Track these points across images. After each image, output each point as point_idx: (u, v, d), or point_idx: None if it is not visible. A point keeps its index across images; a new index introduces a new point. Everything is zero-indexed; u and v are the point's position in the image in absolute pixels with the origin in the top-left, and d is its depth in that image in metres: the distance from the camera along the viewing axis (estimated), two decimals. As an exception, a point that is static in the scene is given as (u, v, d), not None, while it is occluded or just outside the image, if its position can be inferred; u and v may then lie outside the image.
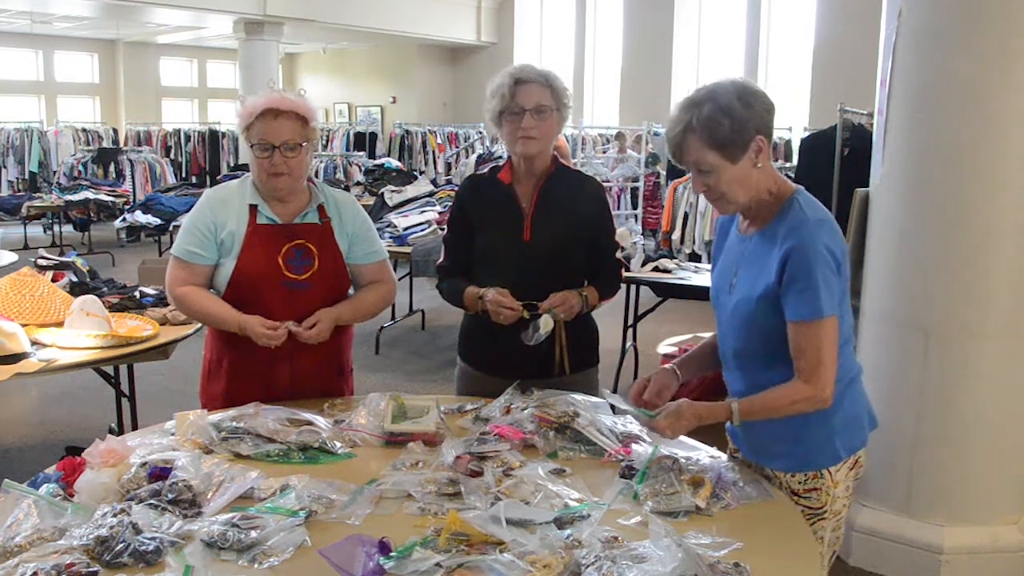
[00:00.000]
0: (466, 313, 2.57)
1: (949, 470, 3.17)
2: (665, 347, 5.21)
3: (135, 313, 3.52)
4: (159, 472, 1.78)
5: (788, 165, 9.13)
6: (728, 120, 1.78)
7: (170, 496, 1.70)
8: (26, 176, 13.85)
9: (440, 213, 6.81)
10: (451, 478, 1.83)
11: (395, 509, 1.76)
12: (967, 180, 3.02)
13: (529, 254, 2.44)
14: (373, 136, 15.98)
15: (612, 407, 2.11)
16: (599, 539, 1.57)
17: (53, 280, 3.78)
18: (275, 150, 2.31)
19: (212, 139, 15.64)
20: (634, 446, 2.03)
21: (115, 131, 16.25)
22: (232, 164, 14.92)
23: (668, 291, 5.46)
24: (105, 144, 14.55)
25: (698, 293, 4.82)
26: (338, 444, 2.06)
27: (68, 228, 11.62)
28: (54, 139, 14.26)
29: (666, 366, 2.11)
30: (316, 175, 10.52)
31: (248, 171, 2.49)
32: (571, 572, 1.46)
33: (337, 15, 14.11)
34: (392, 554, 1.51)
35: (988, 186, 3.01)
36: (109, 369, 3.54)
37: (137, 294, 3.75)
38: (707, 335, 2.21)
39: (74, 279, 3.95)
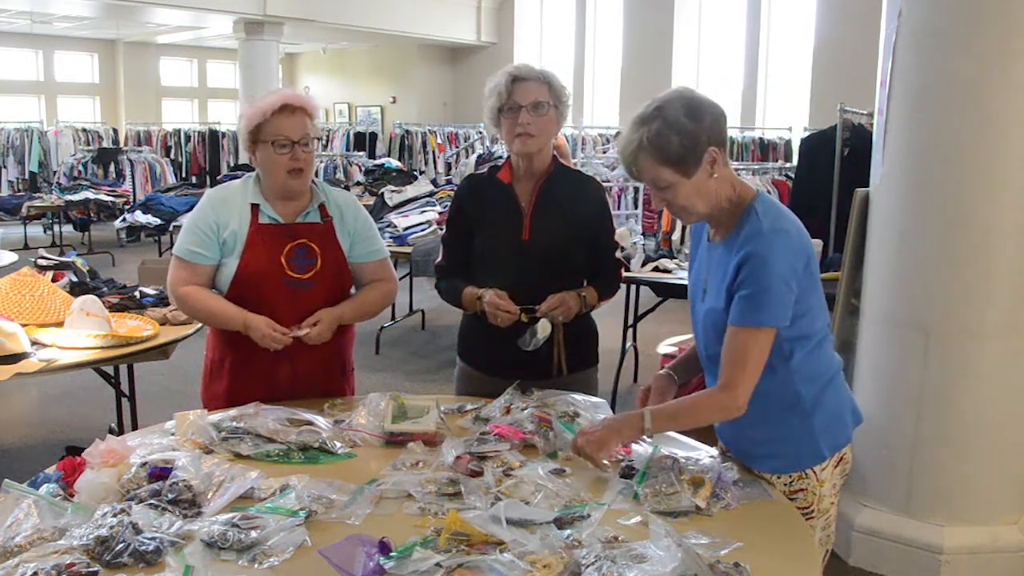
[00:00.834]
0: (465, 313, 2.57)
1: (949, 470, 3.17)
2: (665, 347, 5.20)
3: (135, 313, 3.52)
4: (159, 472, 1.78)
5: (788, 165, 9.13)
6: (677, 137, 1.78)
7: (170, 496, 1.70)
8: (26, 176, 13.84)
9: (440, 213, 6.81)
10: (451, 478, 1.83)
11: (395, 509, 1.76)
12: (967, 180, 3.02)
13: (528, 254, 2.44)
14: (373, 136, 15.97)
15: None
16: (599, 539, 1.57)
17: (53, 280, 3.78)
18: (294, 146, 2.32)
19: (212, 139, 15.64)
20: (634, 446, 2.03)
21: (115, 131, 16.24)
22: (232, 164, 14.91)
23: (668, 291, 5.46)
24: (105, 144, 14.55)
25: (698, 293, 4.80)
26: (338, 444, 2.06)
27: (68, 228, 11.63)
28: (54, 139, 14.26)
29: (662, 371, 2.12)
30: (316, 175, 10.51)
31: (252, 171, 2.50)
32: (571, 572, 1.46)
33: (337, 15, 14.10)
34: (392, 554, 1.51)
35: (988, 186, 3.01)
36: (109, 369, 3.54)
37: (137, 294, 3.75)
38: None
39: (74, 279, 3.95)
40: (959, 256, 3.06)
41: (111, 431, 3.33)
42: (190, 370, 4.97)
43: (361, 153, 13.63)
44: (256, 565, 1.53)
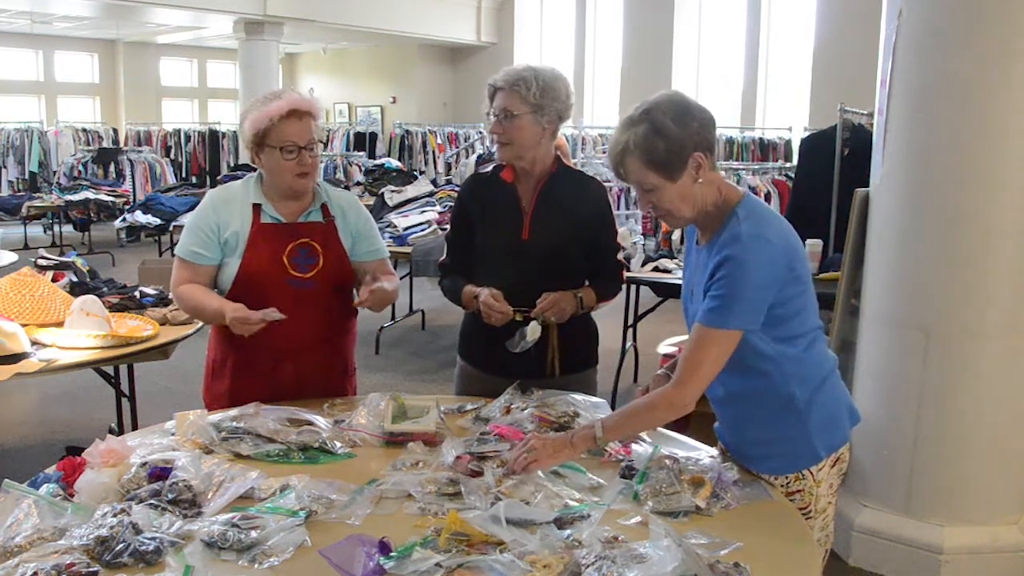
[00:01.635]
0: (466, 312, 2.58)
1: (949, 470, 3.17)
2: (665, 347, 5.20)
3: (135, 313, 3.52)
4: (159, 472, 1.78)
5: (788, 165, 9.14)
6: (663, 141, 1.79)
7: (170, 496, 1.70)
8: (26, 176, 13.84)
9: (440, 213, 6.81)
10: (451, 478, 1.83)
11: (395, 509, 1.76)
12: (967, 180, 3.02)
13: (527, 253, 2.44)
14: (373, 136, 15.97)
15: None
16: (599, 539, 1.57)
17: (53, 280, 3.78)
18: (302, 151, 2.33)
19: (212, 139, 15.64)
20: (634, 446, 2.03)
21: (115, 131, 16.24)
22: (232, 164, 14.90)
23: (668, 291, 5.45)
24: (105, 144, 14.54)
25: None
26: (338, 444, 2.06)
27: (68, 228, 11.63)
28: (54, 139, 14.25)
29: (660, 371, 2.12)
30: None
31: (252, 171, 2.50)
32: (571, 572, 1.46)
33: (337, 15, 14.10)
34: (392, 554, 1.51)
35: (988, 186, 3.01)
36: (109, 369, 3.54)
37: (137, 294, 3.75)
38: None
39: (74, 279, 3.95)
40: (959, 256, 3.06)
41: (111, 431, 3.33)
42: (190, 370, 4.97)
43: (361, 153, 13.63)
44: (256, 565, 1.53)
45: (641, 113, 1.82)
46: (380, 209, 7.11)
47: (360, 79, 19.18)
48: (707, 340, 1.80)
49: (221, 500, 1.72)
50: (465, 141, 14.48)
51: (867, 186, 3.45)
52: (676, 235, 8.02)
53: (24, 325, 3.06)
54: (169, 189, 11.54)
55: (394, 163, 10.97)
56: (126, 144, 15.21)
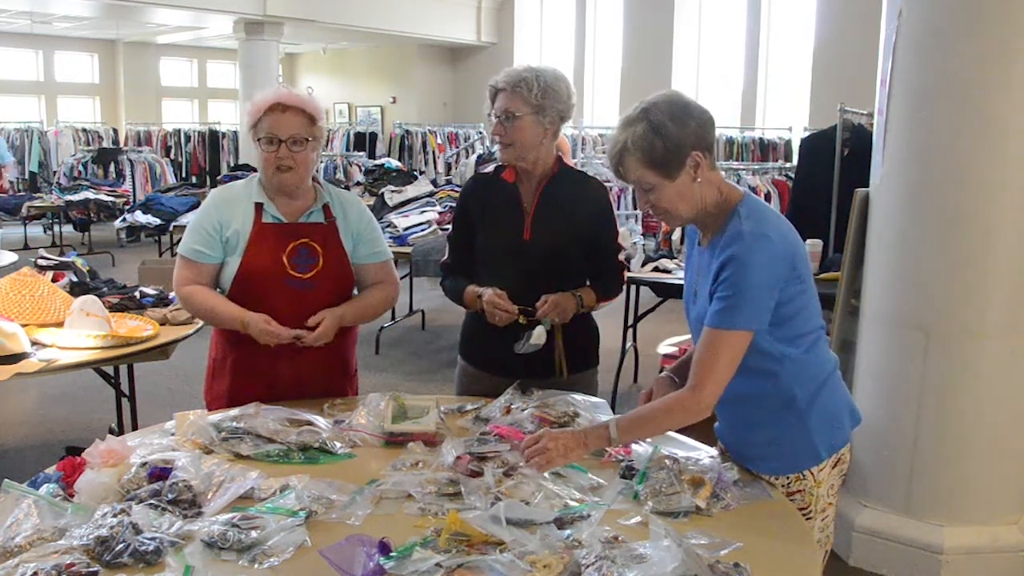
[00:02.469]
0: (467, 311, 2.58)
1: (949, 470, 3.17)
2: (665, 347, 5.20)
3: (135, 313, 3.52)
4: (159, 472, 1.78)
5: (788, 165, 9.13)
6: (661, 140, 1.79)
7: (170, 496, 1.70)
8: (26, 176, 13.84)
9: (440, 213, 6.81)
10: (451, 478, 1.83)
11: (395, 509, 1.76)
12: (967, 180, 3.02)
13: (528, 253, 2.45)
14: (373, 136, 15.97)
15: None
16: (599, 539, 1.57)
17: (53, 280, 3.78)
18: (281, 144, 2.33)
19: (212, 139, 15.63)
20: (634, 446, 2.03)
21: (115, 131, 16.24)
22: (232, 164, 14.90)
23: (668, 291, 5.45)
24: (105, 144, 14.54)
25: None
26: (338, 444, 2.06)
27: (68, 228, 11.62)
28: (54, 139, 14.25)
29: (663, 374, 2.11)
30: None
31: (252, 171, 2.51)
32: (571, 572, 1.46)
33: (337, 15, 14.10)
34: (392, 554, 1.51)
35: (988, 186, 3.01)
36: (109, 369, 3.54)
37: (137, 294, 3.75)
38: None
39: (74, 279, 3.95)
40: (959, 256, 3.06)
41: (111, 431, 3.33)
42: (190, 370, 4.98)
43: (361, 153, 13.63)
44: (256, 565, 1.53)
45: (639, 112, 1.83)
46: (380, 209, 7.11)
47: (360, 79, 19.18)
48: (718, 342, 1.79)
49: (221, 500, 1.72)
50: (465, 141, 14.48)
51: (867, 186, 3.45)
52: (676, 235, 8.01)
53: (24, 325, 3.06)
54: (169, 189, 11.53)
55: (394, 163, 10.97)
56: (126, 144, 15.20)
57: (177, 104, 20.33)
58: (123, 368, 3.61)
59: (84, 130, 15.24)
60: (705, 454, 2.04)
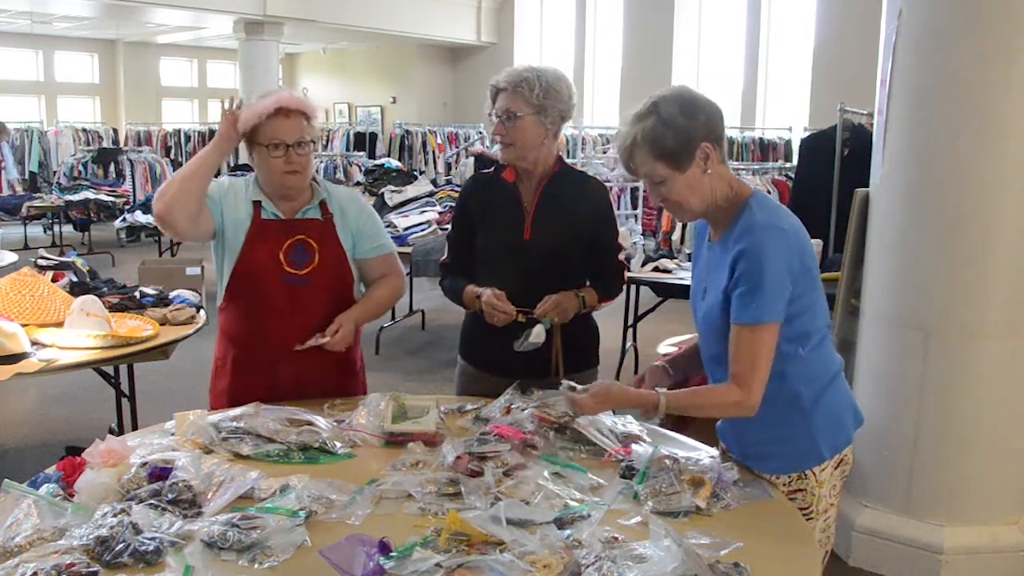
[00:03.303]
0: (467, 312, 2.58)
1: (949, 470, 3.17)
2: (665, 347, 5.20)
3: (135, 313, 3.52)
4: (159, 472, 1.78)
5: (788, 165, 9.13)
6: (671, 132, 1.81)
7: (170, 496, 1.70)
8: (26, 176, 13.84)
9: (440, 213, 6.81)
10: (451, 478, 1.83)
11: (395, 509, 1.76)
12: (967, 180, 3.02)
13: (529, 253, 2.45)
14: (373, 136, 15.97)
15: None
16: (599, 539, 1.57)
17: (53, 280, 3.78)
18: (289, 148, 2.34)
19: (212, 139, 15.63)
20: (634, 446, 2.03)
21: (115, 131, 16.25)
22: (232, 164, 14.90)
23: (668, 291, 5.46)
24: (105, 144, 14.55)
25: (698, 293, 4.81)
26: (338, 444, 2.06)
27: (68, 228, 11.62)
28: (54, 139, 14.26)
29: (657, 363, 2.13)
30: (317, 172, 10.51)
31: (249, 171, 2.51)
32: (571, 572, 1.46)
33: (337, 15, 14.10)
34: (392, 554, 1.51)
35: (988, 186, 3.01)
36: (109, 369, 3.54)
37: (137, 294, 3.75)
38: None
39: (74, 279, 3.95)
40: (959, 256, 3.06)
41: (111, 431, 3.33)
42: (190, 370, 4.97)
43: (361, 153, 13.62)
44: (256, 565, 1.53)
45: (649, 106, 1.84)
46: (380, 209, 7.11)
47: (360, 79, 19.18)
48: (752, 337, 1.80)
49: (221, 500, 1.72)
50: (465, 141, 14.48)
51: (867, 186, 3.45)
52: (676, 235, 8.03)
53: (24, 325, 3.06)
54: (169, 189, 11.51)
55: (394, 163, 10.97)
56: (126, 144, 15.21)
57: (177, 104, 20.33)
58: (123, 368, 3.61)
59: (84, 130, 15.25)
60: (705, 454, 2.04)
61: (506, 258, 2.47)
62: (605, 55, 15.95)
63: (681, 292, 5.41)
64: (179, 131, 15.87)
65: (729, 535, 1.62)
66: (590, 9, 16.05)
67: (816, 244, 4.64)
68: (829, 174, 5.42)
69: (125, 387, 3.71)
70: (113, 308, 3.49)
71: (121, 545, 1.51)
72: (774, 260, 1.78)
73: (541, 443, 2.05)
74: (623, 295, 5.48)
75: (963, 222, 3.04)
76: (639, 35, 14.77)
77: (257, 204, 2.43)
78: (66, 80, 18.93)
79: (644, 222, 10.29)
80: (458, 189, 6.86)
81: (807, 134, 8.05)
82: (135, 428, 3.44)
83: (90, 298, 3.22)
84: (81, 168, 12.43)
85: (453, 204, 6.25)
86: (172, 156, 15.17)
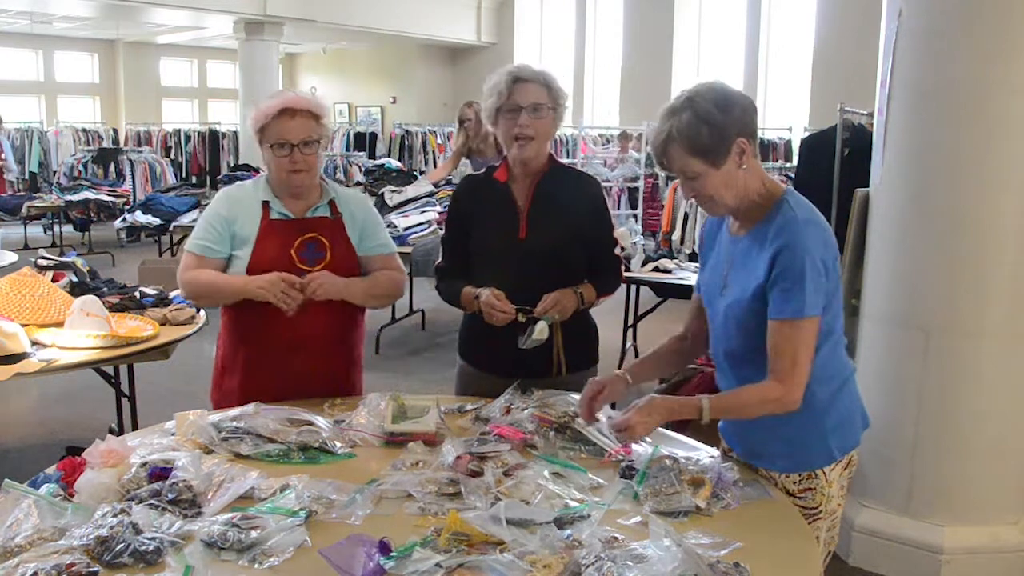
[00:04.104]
0: (465, 312, 2.58)
1: (949, 470, 3.17)
2: (665, 347, 5.21)
3: (135, 313, 3.52)
4: (159, 472, 1.78)
5: (788, 165, 9.13)
6: (707, 127, 1.79)
7: (170, 496, 1.69)
8: (26, 176, 13.83)
9: (440, 213, 6.80)
10: (451, 478, 1.83)
11: (395, 509, 1.76)
12: (967, 180, 3.02)
13: (525, 252, 2.44)
14: (373, 136, 15.97)
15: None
16: (599, 539, 1.57)
17: (53, 280, 3.78)
18: (294, 148, 2.36)
19: (212, 139, 15.64)
20: (634, 446, 2.03)
21: (115, 131, 16.24)
22: (232, 164, 14.90)
23: (668, 291, 5.46)
24: (105, 144, 14.54)
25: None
26: (338, 444, 2.06)
27: (68, 228, 11.61)
28: (54, 139, 14.25)
29: (617, 372, 2.09)
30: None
31: (252, 171, 2.52)
32: (571, 572, 1.46)
33: (337, 15, 14.10)
34: (392, 554, 1.51)
35: (988, 186, 3.01)
36: (109, 369, 3.54)
37: (137, 294, 3.75)
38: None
39: (74, 279, 3.94)
40: (959, 256, 3.06)
41: (111, 431, 3.33)
42: (190, 370, 4.97)
43: (361, 153, 13.63)
44: (256, 565, 1.53)
45: (684, 101, 1.83)
46: (380, 209, 7.08)
47: (360, 79, 19.18)
48: (793, 332, 1.79)
49: (221, 500, 1.72)
50: (465, 141, 14.44)
51: (867, 186, 3.45)
52: (676, 235, 8.02)
53: (24, 325, 3.06)
54: (169, 189, 11.52)
55: (394, 163, 10.96)
56: (126, 144, 15.20)
57: (177, 104, 20.33)
58: (123, 368, 3.61)
59: (84, 130, 15.25)
60: (705, 454, 2.04)
61: (502, 258, 2.47)
62: (605, 55, 15.95)
63: (681, 292, 5.41)
64: (179, 131, 15.87)
65: (729, 535, 1.62)
66: (590, 9, 16.05)
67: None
68: (829, 174, 5.41)
69: (125, 387, 3.71)
70: (113, 308, 3.49)
71: (121, 545, 1.51)
72: (814, 255, 1.78)
73: (541, 443, 2.06)
74: (623, 294, 5.49)
75: (963, 222, 3.04)
76: (639, 35, 14.77)
77: (266, 204, 2.46)
78: (66, 80, 18.93)
79: (644, 223, 10.31)
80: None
81: (807, 134, 8.05)
82: (135, 428, 3.44)
83: (90, 298, 3.22)
84: (81, 168, 12.43)
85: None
86: (172, 156, 15.17)
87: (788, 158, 11.33)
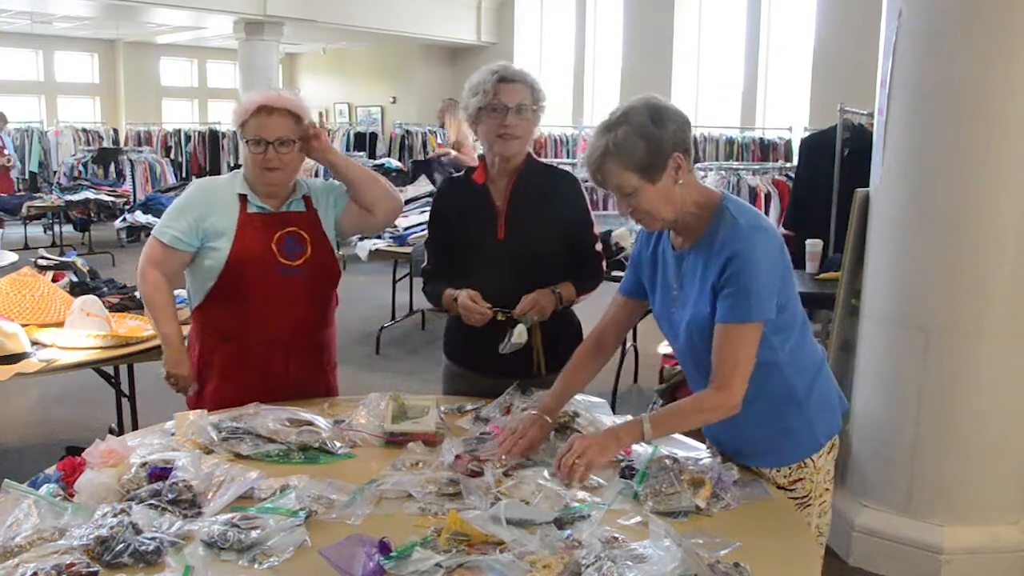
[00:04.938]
0: (449, 313, 2.58)
1: (949, 470, 3.17)
2: (665, 347, 5.20)
3: (135, 313, 3.52)
4: (159, 472, 1.78)
5: (788, 165, 9.12)
6: (643, 142, 1.80)
7: (170, 496, 1.70)
8: (26, 176, 13.83)
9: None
10: (451, 478, 1.83)
11: (395, 509, 1.76)
12: (967, 180, 3.02)
13: (504, 252, 2.44)
14: (373, 136, 15.96)
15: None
16: (599, 539, 1.57)
17: (53, 280, 3.78)
18: (269, 146, 2.36)
19: (212, 139, 15.62)
20: (634, 446, 2.03)
21: (115, 131, 16.23)
22: (232, 164, 14.91)
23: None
24: (105, 144, 14.53)
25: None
26: (338, 444, 2.06)
27: (68, 228, 11.60)
28: (54, 139, 14.24)
29: (533, 413, 2.05)
30: (316, 175, 10.54)
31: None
32: (571, 572, 1.46)
33: (337, 15, 14.09)
34: (392, 554, 1.51)
35: (988, 186, 3.01)
36: (109, 369, 3.54)
37: (137, 294, 3.75)
38: None
39: (74, 279, 3.95)
40: (959, 256, 3.06)
41: (111, 431, 3.33)
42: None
43: (361, 153, 13.62)
44: (256, 565, 1.53)
45: (619, 116, 1.83)
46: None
47: (360, 79, 19.17)
48: (737, 336, 1.81)
49: (221, 500, 1.72)
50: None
51: (867, 186, 3.45)
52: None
53: (24, 325, 3.06)
54: (169, 189, 11.53)
55: (394, 163, 10.98)
56: (126, 144, 15.19)
57: (177, 104, 20.32)
58: (123, 368, 3.61)
59: (84, 130, 15.23)
60: (705, 454, 2.04)
61: (483, 259, 2.47)
62: (605, 55, 15.93)
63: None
64: (179, 131, 15.85)
65: (729, 535, 1.62)
66: (590, 9, 16.04)
67: (816, 244, 4.64)
68: (829, 174, 5.41)
69: (125, 387, 3.71)
70: (113, 308, 3.49)
71: (121, 545, 1.51)
72: (762, 261, 1.80)
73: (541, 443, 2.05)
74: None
75: (963, 222, 3.04)
76: (639, 35, 14.75)
77: (243, 197, 2.46)
78: (66, 80, 18.91)
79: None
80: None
81: (807, 134, 8.04)
82: (135, 428, 3.44)
83: (90, 298, 3.22)
84: (81, 168, 12.42)
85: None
86: (172, 156, 15.15)
87: (788, 158, 11.31)
